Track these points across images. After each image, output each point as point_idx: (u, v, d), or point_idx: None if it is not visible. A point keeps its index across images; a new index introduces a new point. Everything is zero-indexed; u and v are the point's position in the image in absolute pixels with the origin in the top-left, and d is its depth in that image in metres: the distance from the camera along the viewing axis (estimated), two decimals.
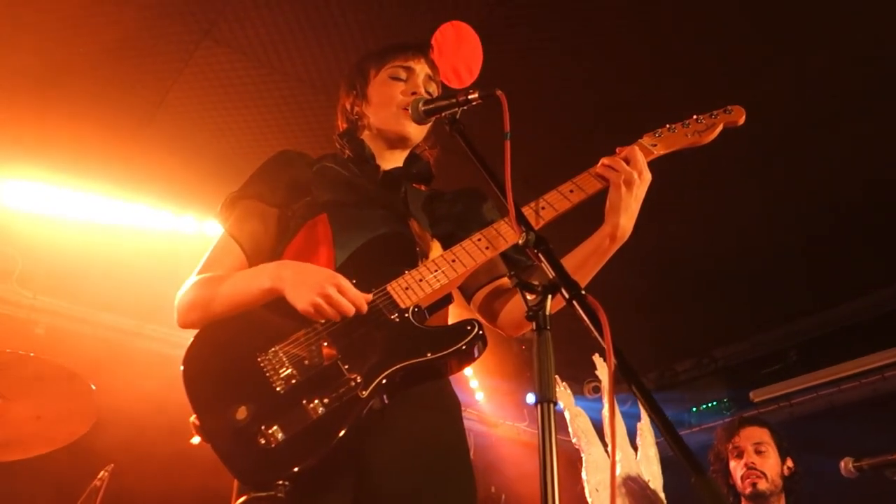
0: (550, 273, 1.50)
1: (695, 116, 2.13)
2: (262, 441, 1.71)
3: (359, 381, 1.76)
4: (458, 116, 1.93)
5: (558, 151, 4.66)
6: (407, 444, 1.86)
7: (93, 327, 5.14)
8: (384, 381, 1.76)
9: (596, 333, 1.34)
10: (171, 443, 4.05)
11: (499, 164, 1.72)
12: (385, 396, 1.78)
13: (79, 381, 3.60)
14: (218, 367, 1.85)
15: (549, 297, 1.47)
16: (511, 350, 6.81)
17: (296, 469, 1.67)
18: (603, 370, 4.52)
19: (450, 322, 1.96)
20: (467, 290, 2.23)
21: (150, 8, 3.68)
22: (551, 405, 1.37)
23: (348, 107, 2.34)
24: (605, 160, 1.99)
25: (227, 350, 1.87)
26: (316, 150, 2.32)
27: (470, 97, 1.88)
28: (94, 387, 3.61)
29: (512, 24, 3.82)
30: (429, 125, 2.25)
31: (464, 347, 1.80)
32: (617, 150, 2.02)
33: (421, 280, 1.91)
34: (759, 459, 3.75)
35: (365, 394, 1.74)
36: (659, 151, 2.05)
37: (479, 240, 1.97)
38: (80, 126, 4.35)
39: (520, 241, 1.57)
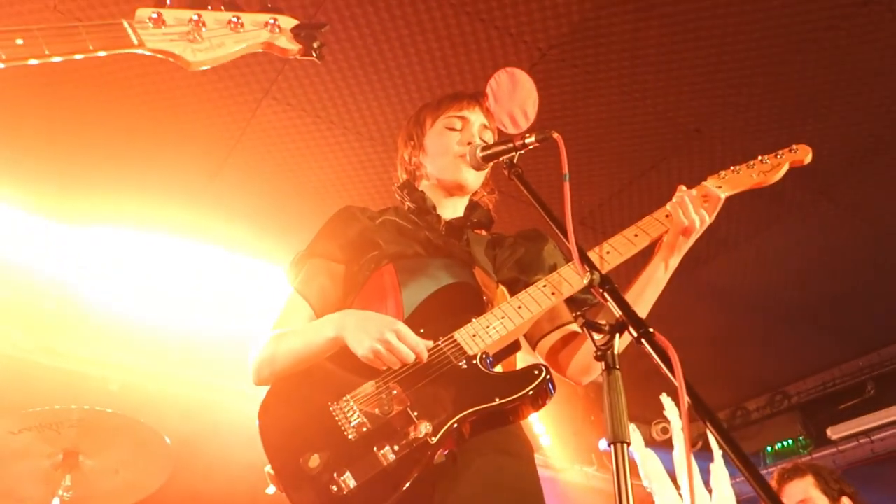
0: (617, 312, 1.50)
1: (759, 157, 2.12)
2: (335, 488, 1.73)
3: (429, 427, 1.77)
4: (515, 160, 1.96)
5: (614, 192, 4.65)
6: (481, 489, 1.85)
7: (165, 383, 5.24)
8: (454, 426, 1.77)
9: (666, 371, 1.33)
10: (245, 494, 4.11)
11: (556, 204, 1.73)
12: (455, 442, 1.78)
13: (154, 434, 3.68)
14: (291, 418, 1.89)
15: (618, 336, 1.47)
16: (576, 393, 6.72)
17: None
18: (672, 410, 4.43)
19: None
20: (532, 339, 2.24)
21: (213, 72, 3.83)
22: (625, 446, 1.36)
23: (406, 157, 2.39)
24: (677, 202, 1.99)
25: (300, 401, 1.91)
26: (377, 202, 2.36)
27: (527, 141, 1.92)
28: (168, 440, 3.69)
29: (565, 67, 3.85)
30: (486, 171, 2.29)
31: (532, 392, 1.81)
32: (678, 189, 2.02)
33: (488, 327, 1.92)
34: None
35: (435, 440, 1.75)
36: (724, 193, 2.05)
37: (545, 286, 1.98)
38: (149, 184, 4.53)
39: (584, 281, 1.58)
